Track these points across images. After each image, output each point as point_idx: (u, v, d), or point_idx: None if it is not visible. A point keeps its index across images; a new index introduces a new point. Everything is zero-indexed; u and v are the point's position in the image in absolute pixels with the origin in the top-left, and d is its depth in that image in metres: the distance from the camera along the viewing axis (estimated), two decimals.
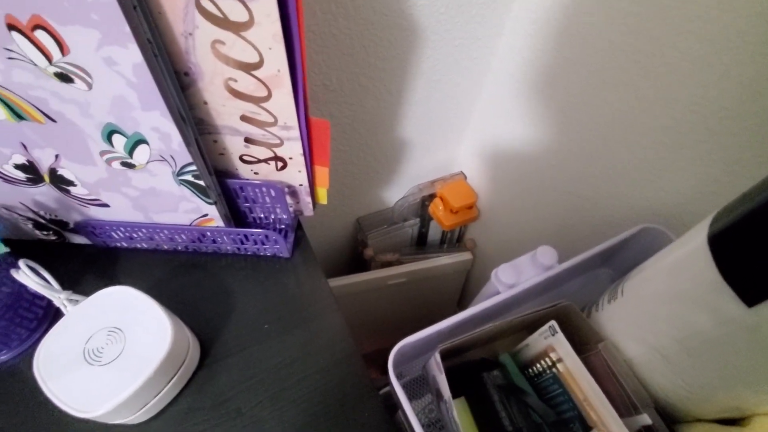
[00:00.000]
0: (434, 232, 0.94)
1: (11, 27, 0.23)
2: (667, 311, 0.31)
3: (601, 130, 0.50)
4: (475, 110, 0.74)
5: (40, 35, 0.23)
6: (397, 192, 0.86)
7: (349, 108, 0.59)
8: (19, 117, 0.28)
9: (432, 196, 0.86)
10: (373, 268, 0.89)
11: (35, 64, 0.25)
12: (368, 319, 0.95)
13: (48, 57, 0.24)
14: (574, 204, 0.60)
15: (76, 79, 0.26)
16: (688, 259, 0.29)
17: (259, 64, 0.27)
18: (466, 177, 0.87)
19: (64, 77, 0.25)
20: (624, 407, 0.33)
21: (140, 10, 0.23)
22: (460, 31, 0.55)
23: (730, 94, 0.36)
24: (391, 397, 0.39)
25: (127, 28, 0.23)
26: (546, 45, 0.53)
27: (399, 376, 0.36)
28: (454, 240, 0.98)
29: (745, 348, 0.26)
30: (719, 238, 0.26)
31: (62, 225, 0.39)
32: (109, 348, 0.31)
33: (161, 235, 0.40)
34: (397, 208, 0.86)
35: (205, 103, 0.31)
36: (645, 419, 0.32)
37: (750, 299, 0.24)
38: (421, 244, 0.96)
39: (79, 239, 0.42)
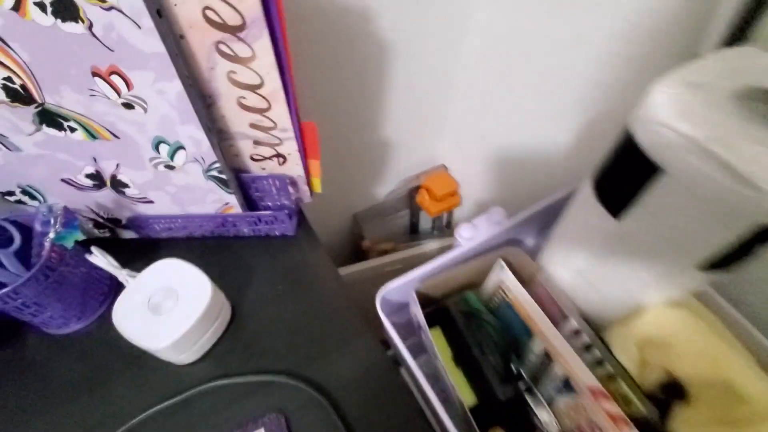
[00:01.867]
0: (425, 221, 1.05)
1: (94, 74, 0.34)
2: (578, 239, 0.41)
3: (531, 110, 0.61)
4: (449, 109, 0.86)
5: (114, 78, 0.35)
6: (386, 187, 0.97)
7: (335, 115, 0.70)
8: (93, 137, 0.40)
9: (418, 188, 0.97)
10: (371, 257, 1.00)
11: (108, 98, 0.36)
12: (369, 306, 1.05)
13: (118, 92, 0.36)
14: (535, 180, 0.70)
15: (137, 106, 0.37)
16: (583, 198, 0.40)
17: (260, 85, 0.39)
18: (447, 168, 0.98)
19: (128, 106, 0.37)
20: (558, 318, 0.43)
21: (180, 56, 0.34)
22: (422, 45, 0.67)
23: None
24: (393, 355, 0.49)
25: (173, 69, 0.34)
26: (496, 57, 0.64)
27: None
28: (443, 226, 1.08)
29: (624, 253, 0.36)
30: (597, 176, 0.37)
31: (116, 222, 0.51)
32: (166, 302, 0.42)
33: (194, 223, 0.51)
34: (387, 201, 0.97)
35: (223, 116, 0.42)
36: (573, 324, 0.42)
37: (615, 213, 0.35)
38: (414, 232, 1.06)
39: (128, 234, 0.53)
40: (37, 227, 0.41)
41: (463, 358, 0.48)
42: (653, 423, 0.37)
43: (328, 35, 0.58)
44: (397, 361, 0.50)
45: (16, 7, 0.30)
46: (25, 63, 0.33)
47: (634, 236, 0.35)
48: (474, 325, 0.46)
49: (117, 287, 0.49)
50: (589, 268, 0.41)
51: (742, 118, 0.26)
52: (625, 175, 0.33)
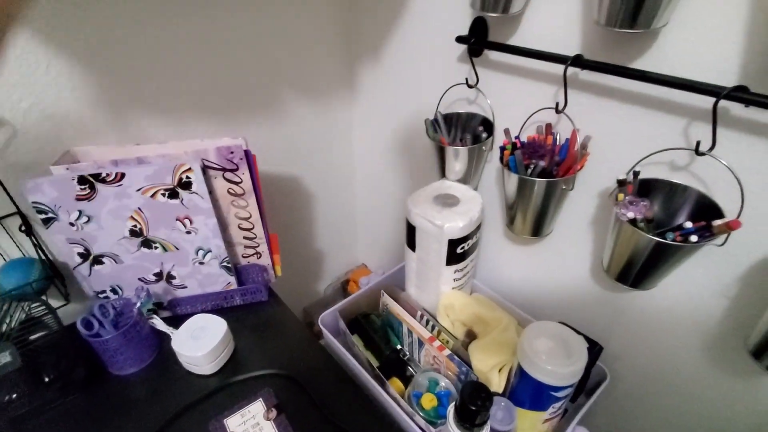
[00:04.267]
0: None
1: (176, 219, 0.77)
2: (410, 271, 0.85)
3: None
4: (357, 231, 1.34)
5: (185, 220, 0.77)
6: (325, 282, 1.37)
7: (286, 235, 1.15)
8: (165, 250, 0.79)
9: (348, 281, 1.38)
10: (321, 338, 1.33)
11: (180, 230, 0.78)
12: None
13: (185, 226, 0.77)
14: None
15: (193, 232, 0.78)
16: (406, 254, 0.85)
17: (249, 218, 0.83)
18: (366, 266, 1.42)
19: (189, 232, 0.78)
20: (413, 312, 0.83)
21: (215, 209, 0.78)
22: (333, 195, 1.18)
23: None
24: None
25: (213, 214, 0.77)
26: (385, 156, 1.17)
27: None
28: None
29: (422, 269, 0.80)
30: (405, 239, 0.83)
31: (160, 305, 0.85)
32: (200, 334, 0.76)
33: (207, 299, 0.87)
34: (327, 293, 1.36)
35: (230, 234, 0.84)
36: (419, 314, 0.83)
37: (413, 249, 0.79)
38: None
39: (164, 314, 0.87)
40: (134, 300, 0.76)
41: (368, 343, 0.84)
42: (461, 351, 0.76)
43: (280, 193, 1.06)
44: (330, 354, 0.85)
45: (153, 195, 0.73)
46: (146, 218, 0.75)
47: (420, 259, 0.80)
48: (372, 324, 0.84)
49: (160, 348, 0.81)
50: (417, 282, 0.84)
51: (434, 204, 0.75)
52: (409, 232, 0.79)
